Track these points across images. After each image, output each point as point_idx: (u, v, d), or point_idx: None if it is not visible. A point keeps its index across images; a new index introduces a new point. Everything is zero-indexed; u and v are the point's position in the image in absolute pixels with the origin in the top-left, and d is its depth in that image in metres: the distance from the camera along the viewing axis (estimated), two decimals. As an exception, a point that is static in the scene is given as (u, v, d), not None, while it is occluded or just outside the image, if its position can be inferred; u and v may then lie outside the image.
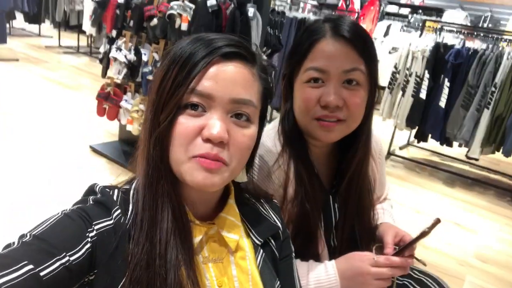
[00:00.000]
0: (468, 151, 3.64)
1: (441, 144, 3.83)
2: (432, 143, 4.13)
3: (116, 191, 0.65)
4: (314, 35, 0.87)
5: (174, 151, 0.61)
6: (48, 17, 7.11)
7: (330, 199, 0.99)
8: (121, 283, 0.57)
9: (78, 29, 6.91)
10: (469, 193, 3.62)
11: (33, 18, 7.50)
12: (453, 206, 3.29)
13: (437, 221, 0.81)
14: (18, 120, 3.55)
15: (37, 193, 2.41)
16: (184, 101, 0.60)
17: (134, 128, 2.87)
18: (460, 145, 3.76)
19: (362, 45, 0.86)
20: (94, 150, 3.12)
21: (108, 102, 3.00)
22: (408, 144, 4.73)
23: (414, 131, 4.13)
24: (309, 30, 0.90)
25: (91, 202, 0.62)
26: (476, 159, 3.72)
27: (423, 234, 0.81)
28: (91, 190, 0.66)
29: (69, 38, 7.51)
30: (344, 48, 0.85)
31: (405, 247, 0.86)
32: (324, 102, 0.85)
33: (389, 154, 4.24)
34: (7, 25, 6.91)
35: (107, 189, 0.64)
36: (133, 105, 2.86)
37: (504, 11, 7.17)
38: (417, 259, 0.91)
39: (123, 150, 3.15)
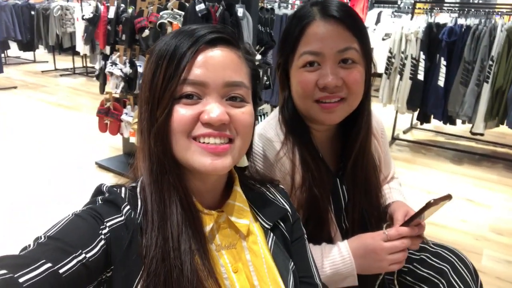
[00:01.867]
0: (472, 127, 3.62)
1: (444, 123, 3.81)
2: (435, 124, 4.12)
3: (123, 189, 0.66)
4: (304, 20, 0.87)
5: (176, 141, 0.62)
6: (42, 43, 7.18)
7: (337, 182, 0.99)
8: (138, 277, 0.57)
9: (72, 51, 6.96)
10: (478, 168, 3.60)
11: (27, 45, 7.58)
12: (463, 183, 3.27)
13: (447, 196, 0.80)
14: (23, 146, 3.58)
15: (52, 215, 2.43)
16: (178, 93, 0.61)
17: (137, 140, 2.88)
18: (463, 122, 3.75)
19: (353, 24, 0.86)
20: (100, 166, 3.14)
21: (109, 117, 3.02)
22: (412, 127, 4.71)
23: (416, 113, 4.11)
24: (298, 16, 0.90)
25: (100, 202, 0.63)
26: (482, 134, 3.70)
27: (429, 205, 0.80)
28: (98, 191, 0.67)
29: (64, 61, 7.58)
30: (335, 29, 0.85)
31: (411, 218, 0.86)
32: (322, 84, 0.85)
33: (393, 138, 4.23)
34: (2, 55, 7.00)
35: (114, 188, 0.65)
36: (134, 118, 2.88)
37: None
38: (423, 238, 0.90)
39: (129, 163, 3.14)
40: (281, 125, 0.97)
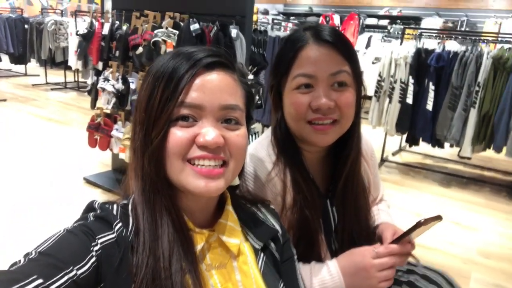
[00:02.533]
0: (460, 151, 3.68)
1: (433, 146, 3.87)
2: (423, 147, 4.18)
3: (115, 206, 0.65)
4: (298, 43, 0.90)
5: (171, 163, 0.62)
6: (34, 56, 7.16)
7: (327, 204, 1.00)
8: None
9: (64, 65, 6.96)
10: (465, 191, 3.64)
11: (19, 58, 7.55)
12: (451, 206, 3.30)
13: (437, 216, 0.81)
14: (10, 158, 3.53)
15: (33, 232, 2.38)
16: (174, 115, 0.61)
17: (126, 156, 2.87)
18: (451, 146, 3.81)
19: (344, 48, 0.89)
20: (88, 181, 3.10)
21: (99, 132, 3.00)
22: (400, 149, 4.77)
23: (405, 136, 4.17)
24: (291, 40, 0.92)
25: (91, 218, 0.62)
26: (469, 158, 3.75)
27: (418, 225, 0.81)
28: (90, 207, 0.66)
29: (56, 75, 7.55)
30: (328, 52, 0.87)
31: (401, 237, 0.87)
32: (315, 106, 0.87)
33: (383, 160, 4.27)
34: (-7, 67, 6.96)
35: (106, 205, 0.65)
36: (124, 133, 2.86)
37: (479, 14, 7.39)
38: (412, 255, 0.91)
39: (117, 179, 3.14)
40: (273, 146, 0.98)
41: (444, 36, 4.13)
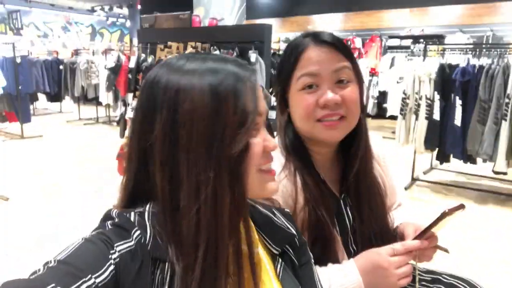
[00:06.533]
0: (494, 166, 3.53)
1: (465, 162, 3.73)
2: (456, 164, 4.03)
3: (132, 213, 0.66)
4: (298, 48, 0.93)
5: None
6: (68, 94, 7.56)
7: (341, 204, 0.98)
8: None
9: (95, 101, 7.30)
10: (504, 209, 3.46)
11: (54, 97, 8.01)
12: (489, 223, 3.13)
13: (461, 205, 0.79)
14: (45, 190, 3.67)
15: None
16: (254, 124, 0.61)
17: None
18: (484, 161, 3.66)
19: (343, 46, 0.92)
20: (118, 209, 3.16)
21: (128, 160, 3.09)
22: (432, 167, 4.62)
23: (435, 153, 4.05)
24: (292, 46, 0.96)
25: (109, 227, 0.63)
26: (505, 173, 3.59)
27: (444, 215, 0.79)
28: (107, 216, 0.67)
29: (88, 110, 7.90)
30: (328, 51, 0.90)
31: (425, 231, 0.85)
32: (323, 102, 0.89)
33: (413, 179, 4.15)
34: (31, 106, 7.37)
35: (123, 213, 0.66)
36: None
37: (505, 28, 7.23)
38: (439, 247, 0.88)
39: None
40: (281, 149, 0.98)
41: (468, 50, 4.05)
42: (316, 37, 0.92)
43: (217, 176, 0.58)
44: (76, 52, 8.29)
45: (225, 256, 0.59)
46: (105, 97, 6.33)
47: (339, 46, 0.91)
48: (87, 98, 7.31)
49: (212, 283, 0.58)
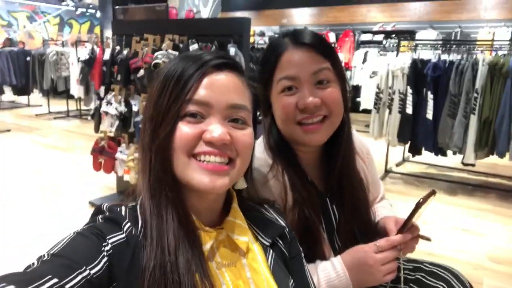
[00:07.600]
0: (463, 158, 3.68)
1: (436, 154, 3.87)
2: (427, 156, 4.17)
3: (123, 207, 0.66)
4: (278, 49, 0.93)
5: (177, 158, 0.63)
6: (36, 87, 7.28)
7: (327, 202, 1.00)
8: None
9: (66, 94, 7.06)
10: (471, 199, 3.62)
11: (22, 90, 7.68)
12: (458, 213, 3.27)
13: (432, 192, 0.83)
14: (14, 186, 3.54)
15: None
16: (182, 111, 0.63)
17: (131, 177, 2.88)
18: (454, 153, 3.81)
19: (323, 47, 0.92)
20: (93, 205, 3.10)
21: (103, 155, 3.03)
22: (404, 160, 4.77)
23: (407, 146, 4.18)
24: (271, 47, 0.96)
25: (101, 220, 0.63)
26: (473, 165, 3.75)
27: (418, 205, 0.83)
28: (99, 210, 0.67)
29: (58, 104, 7.66)
30: (307, 53, 0.90)
31: (405, 224, 0.88)
32: (302, 105, 0.89)
33: (387, 172, 4.27)
34: (-3, 99, 7.07)
35: (114, 207, 0.66)
36: (128, 155, 2.89)
37: (472, 25, 7.50)
38: (421, 236, 0.91)
39: (122, 201, 3.14)
40: (267, 151, 0.99)
41: (439, 46, 4.18)
42: (295, 38, 0.92)
43: (151, 152, 0.64)
44: (43, 44, 7.99)
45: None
46: (77, 90, 6.14)
47: (319, 47, 0.91)
48: (57, 91, 7.06)
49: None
